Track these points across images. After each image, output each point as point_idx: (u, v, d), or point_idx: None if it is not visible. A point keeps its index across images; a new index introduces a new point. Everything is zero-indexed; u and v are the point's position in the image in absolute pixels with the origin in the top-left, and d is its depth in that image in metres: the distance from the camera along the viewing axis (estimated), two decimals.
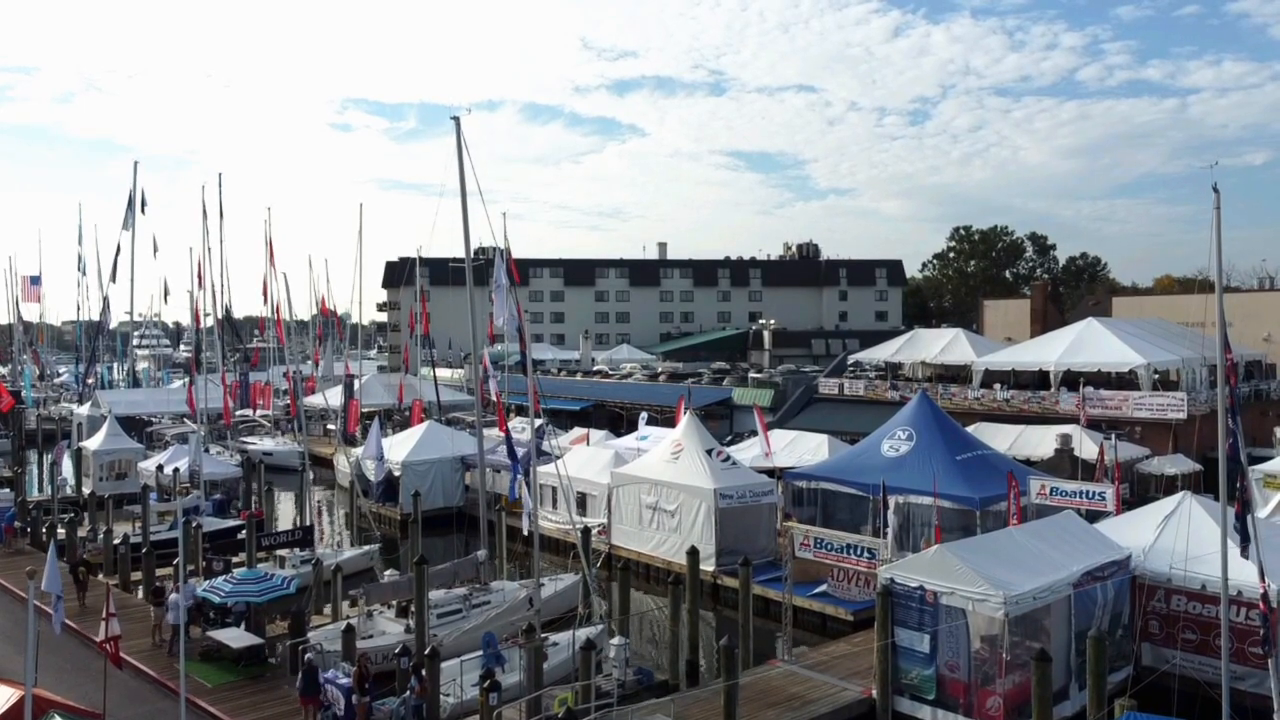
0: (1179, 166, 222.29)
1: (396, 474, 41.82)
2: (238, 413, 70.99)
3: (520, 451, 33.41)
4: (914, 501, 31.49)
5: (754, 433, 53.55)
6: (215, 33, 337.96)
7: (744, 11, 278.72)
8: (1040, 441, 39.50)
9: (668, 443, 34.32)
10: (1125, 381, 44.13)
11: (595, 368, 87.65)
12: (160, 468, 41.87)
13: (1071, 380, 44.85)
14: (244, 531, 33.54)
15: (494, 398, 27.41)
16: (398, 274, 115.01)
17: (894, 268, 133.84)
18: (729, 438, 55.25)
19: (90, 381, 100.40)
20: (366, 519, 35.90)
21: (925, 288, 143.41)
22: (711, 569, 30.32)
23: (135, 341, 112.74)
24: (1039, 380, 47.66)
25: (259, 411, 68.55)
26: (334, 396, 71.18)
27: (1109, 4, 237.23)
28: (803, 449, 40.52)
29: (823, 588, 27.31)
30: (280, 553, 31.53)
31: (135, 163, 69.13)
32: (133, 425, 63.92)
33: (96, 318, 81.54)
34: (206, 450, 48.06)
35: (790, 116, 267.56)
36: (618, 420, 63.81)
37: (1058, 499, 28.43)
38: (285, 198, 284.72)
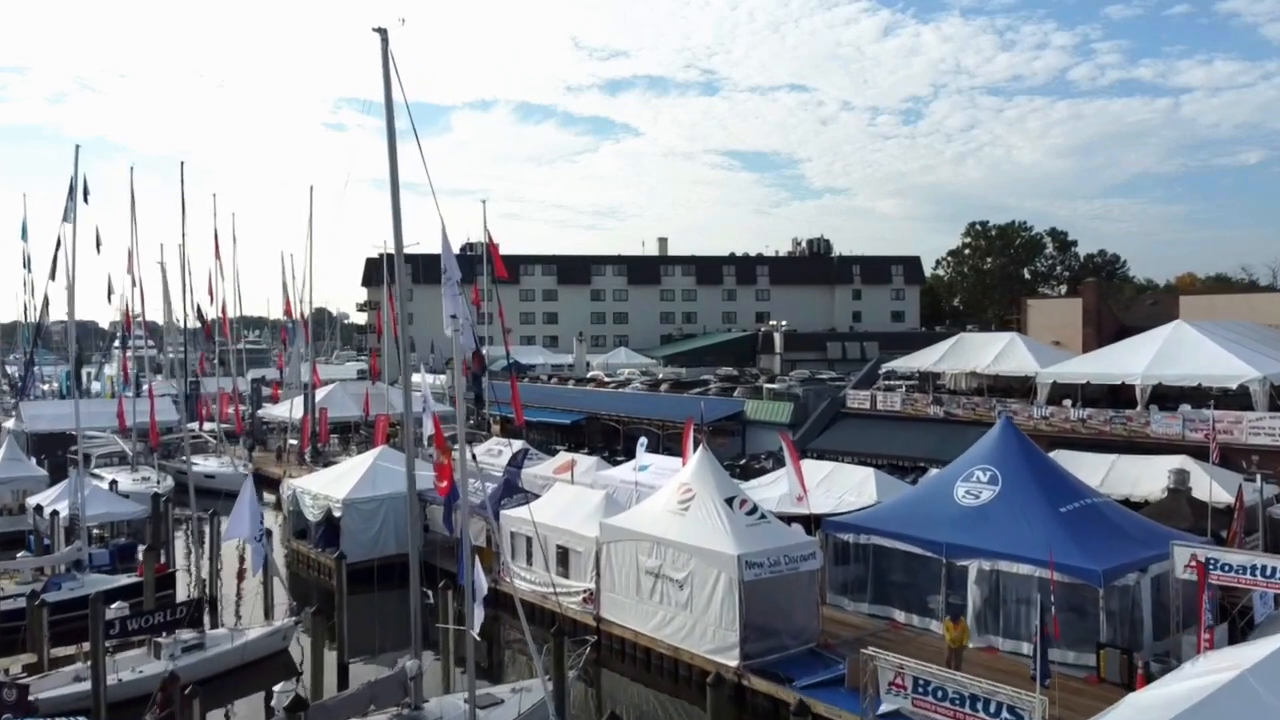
0: (1173, 166, 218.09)
1: (337, 514, 33.82)
2: (185, 425, 62.88)
3: (479, 496, 25.52)
4: (1004, 570, 23.47)
5: (771, 454, 45.48)
6: (207, 32, 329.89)
7: (734, 11, 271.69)
8: (1140, 476, 31.27)
9: (674, 487, 26.04)
10: (1220, 398, 36.12)
11: (590, 374, 79.69)
12: (39, 508, 33.61)
13: (1161, 396, 36.86)
14: (124, 600, 25.64)
15: (430, 431, 19.31)
16: (377, 272, 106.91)
17: (911, 265, 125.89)
18: (742, 460, 47.22)
19: (47, 387, 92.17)
20: (280, 577, 27.98)
21: (939, 286, 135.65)
22: (734, 664, 22.29)
23: (116, 343, 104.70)
24: (1112, 396, 39.64)
25: (207, 426, 60.25)
26: (282, 410, 63.41)
27: (1099, 3, 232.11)
28: (843, 487, 32.08)
29: (896, 705, 19.17)
30: (160, 638, 23.62)
31: (77, 146, 61.07)
32: (61, 443, 55.95)
33: (36, 318, 73.58)
34: (111, 484, 40.16)
35: (783, 116, 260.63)
36: (613, 435, 55.83)
37: (1219, 576, 20.49)
38: (279, 197, 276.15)
